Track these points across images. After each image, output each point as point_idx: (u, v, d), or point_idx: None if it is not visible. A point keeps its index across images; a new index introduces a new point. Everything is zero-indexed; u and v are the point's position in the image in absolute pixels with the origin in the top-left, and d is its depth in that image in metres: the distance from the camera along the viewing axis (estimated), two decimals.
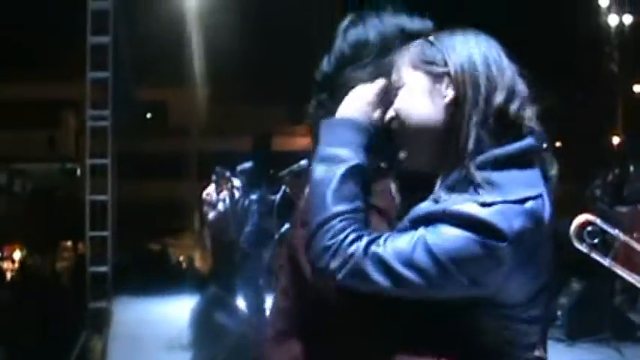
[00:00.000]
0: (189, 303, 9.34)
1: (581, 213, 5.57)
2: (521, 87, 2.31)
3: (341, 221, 2.19)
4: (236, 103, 27.27)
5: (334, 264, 2.15)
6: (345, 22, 2.44)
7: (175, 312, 10.29)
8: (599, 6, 25.86)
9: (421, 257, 2.13)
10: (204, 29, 22.19)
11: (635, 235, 8.26)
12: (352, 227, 2.18)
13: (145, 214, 21.07)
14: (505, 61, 2.28)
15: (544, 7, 23.32)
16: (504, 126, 2.23)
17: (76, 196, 13.28)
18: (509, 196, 2.14)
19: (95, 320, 11.50)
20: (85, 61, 11.39)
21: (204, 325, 7.72)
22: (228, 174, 8.36)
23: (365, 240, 2.16)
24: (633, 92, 26.38)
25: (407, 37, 2.32)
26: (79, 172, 17.88)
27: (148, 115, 29.92)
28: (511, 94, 2.27)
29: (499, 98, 2.23)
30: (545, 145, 2.43)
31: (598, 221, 5.11)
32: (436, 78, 2.22)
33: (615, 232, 5.09)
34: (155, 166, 25.90)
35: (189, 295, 11.80)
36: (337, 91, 2.37)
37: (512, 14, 22.42)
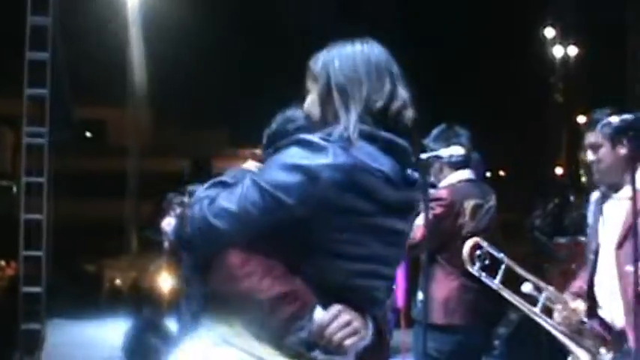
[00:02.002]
0: (124, 326, 9.24)
1: (522, 241, 5.60)
2: (402, 92, 2.80)
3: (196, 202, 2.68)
4: (177, 124, 27.18)
5: (187, 228, 2.62)
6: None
7: (109, 335, 10.16)
8: (544, 37, 26.18)
9: (251, 192, 2.57)
10: (147, 49, 22.05)
11: (573, 266, 8.30)
12: (202, 198, 2.66)
13: (81, 234, 20.80)
14: (387, 67, 2.80)
15: (491, 36, 23.54)
16: (384, 123, 2.71)
17: (12, 214, 13.04)
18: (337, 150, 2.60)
19: (27, 342, 11.27)
20: (23, 77, 11.21)
21: (136, 348, 7.62)
22: (177, 199, 8.12)
23: (207, 200, 2.63)
24: (577, 123, 26.78)
25: None
26: (14, 189, 17.58)
27: (88, 134, 29.66)
28: (389, 96, 2.75)
29: (377, 97, 2.74)
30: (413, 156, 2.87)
31: (485, 244, 5.18)
32: (313, 78, 2.85)
33: (500, 255, 5.14)
34: (93, 185, 25.67)
35: (124, 318, 11.66)
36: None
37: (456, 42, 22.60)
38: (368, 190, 2.62)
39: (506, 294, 5.26)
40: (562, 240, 10.73)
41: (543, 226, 11.20)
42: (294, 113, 3.04)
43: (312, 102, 2.84)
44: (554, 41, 26.49)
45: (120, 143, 27.12)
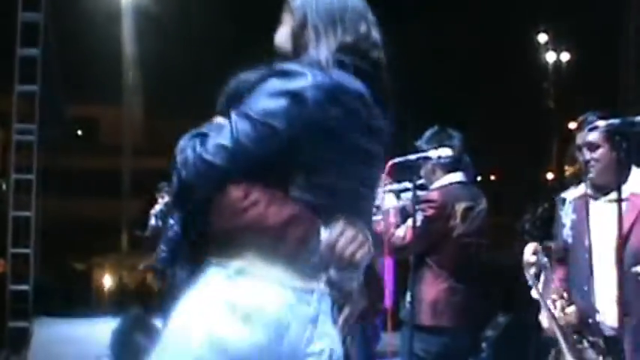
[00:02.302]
0: (112, 324, 9.21)
1: (513, 244, 5.60)
2: (375, 35, 2.89)
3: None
4: (170, 124, 27.10)
5: (184, 173, 2.67)
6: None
7: (97, 333, 10.11)
8: (537, 42, 26.20)
9: (241, 125, 2.63)
10: (141, 47, 22.03)
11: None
12: (192, 143, 2.72)
13: (71, 232, 20.77)
14: (362, 13, 2.89)
15: (483, 39, 23.54)
16: (353, 58, 2.79)
17: (0, 211, 13.02)
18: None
19: (15, 340, 11.24)
20: (13, 74, 11.18)
21: (124, 346, 7.59)
22: (166, 188, 8.08)
23: (198, 141, 2.70)
24: (568, 129, 26.78)
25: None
26: (4, 186, 17.57)
27: (79, 132, 29.60)
28: (362, 37, 2.85)
29: (349, 37, 2.83)
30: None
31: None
32: (289, 11, 2.93)
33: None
34: (84, 184, 25.61)
35: (112, 316, 11.63)
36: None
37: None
38: (349, 110, 2.70)
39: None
40: (551, 244, 10.73)
41: (533, 230, 11.19)
42: (247, 75, 2.85)
43: (284, 35, 2.93)
44: (547, 47, 26.52)
45: (112, 142, 27.10)
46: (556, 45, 26.58)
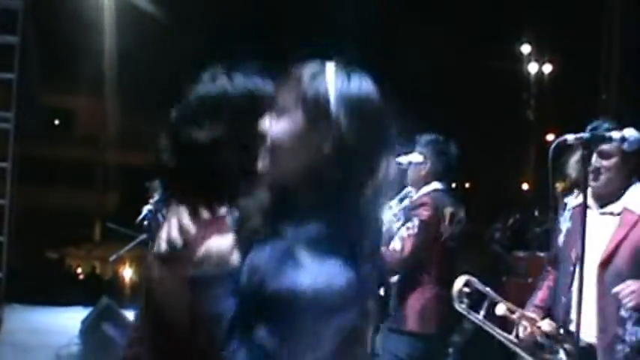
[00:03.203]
0: (83, 313, 9.24)
1: (481, 253, 5.66)
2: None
3: None
4: (147, 117, 27.04)
5: None
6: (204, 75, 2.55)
7: (68, 322, 10.13)
8: (521, 53, 26.24)
9: None
10: (121, 39, 21.96)
11: (529, 280, 8.36)
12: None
13: (45, 221, 20.73)
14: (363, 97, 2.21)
15: (465, 48, 23.61)
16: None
17: None
18: None
19: None
20: None
21: (93, 335, 7.63)
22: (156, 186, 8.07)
23: None
24: (546, 141, 26.95)
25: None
26: None
27: (56, 122, 29.50)
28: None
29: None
30: None
31: (476, 281, 5.19)
32: (310, 106, 2.15)
33: (487, 289, 5.18)
34: (59, 173, 25.55)
35: (83, 305, 11.64)
36: None
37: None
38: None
39: (489, 329, 5.30)
40: (521, 254, 10.84)
41: (503, 240, 11.30)
42: (206, 89, 2.49)
43: (290, 134, 2.15)
44: (529, 58, 26.57)
45: (88, 133, 27.04)
46: (539, 56, 26.62)
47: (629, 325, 4.32)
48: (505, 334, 4.92)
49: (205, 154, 2.36)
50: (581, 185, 4.37)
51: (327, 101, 2.14)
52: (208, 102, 2.46)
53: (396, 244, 5.54)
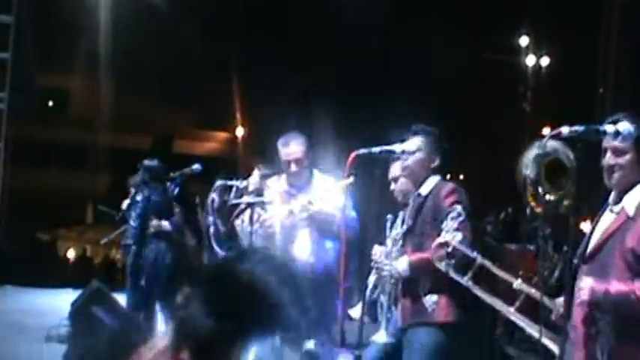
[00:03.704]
0: (73, 295, 9.22)
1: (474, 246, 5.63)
2: None
3: None
4: (141, 100, 26.99)
5: None
6: None
7: (58, 303, 10.13)
8: (518, 45, 26.18)
9: None
10: (117, 19, 21.85)
11: (520, 273, 8.37)
12: None
13: (37, 203, 20.69)
14: None
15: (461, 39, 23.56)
16: None
17: None
18: None
19: None
20: None
21: (82, 318, 7.61)
22: (134, 180, 7.88)
23: None
24: (542, 134, 26.82)
25: None
26: None
27: (50, 103, 29.40)
28: None
29: None
30: None
31: (456, 242, 5.23)
32: None
33: (473, 254, 5.21)
34: (53, 155, 25.48)
35: (74, 288, 11.64)
36: None
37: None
38: None
39: (478, 291, 5.33)
40: (512, 246, 10.85)
41: (495, 233, 11.32)
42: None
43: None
44: (527, 50, 26.51)
45: (82, 114, 26.97)
46: (536, 49, 26.57)
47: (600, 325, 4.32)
48: (499, 302, 4.96)
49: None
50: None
51: None
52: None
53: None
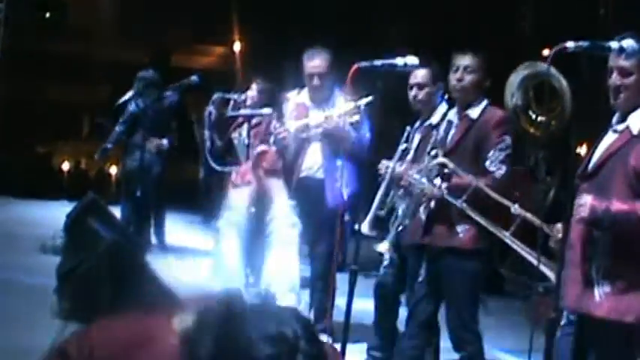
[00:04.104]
0: (68, 207, 9.23)
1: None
2: None
3: None
4: (141, 13, 26.71)
5: None
6: None
7: (53, 215, 10.14)
8: None
9: None
10: None
11: (517, 193, 8.40)
12: None
13: (34, 115, 20.61)
14: None
15: None
16: None
17: None
18: None
19: None
20: None
21: (77, 228, 7.61)
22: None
23: None
24: (542, 56, 26.61)
25: None
26: None
27: (47, 14, 29.08)
28: None
29: None
30: None
31: (451, 165, 5.24)
32: None
33: (469, 177, 5.21)
34: (50, 67, 25.29)
35: (69, 200, 11.66)
36: None
37: None
38: None
39: (472, 214, 5.34)
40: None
41: None
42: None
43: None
44: None
45: (80, 26, 26.70)
46: None
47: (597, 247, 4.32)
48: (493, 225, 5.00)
49: None
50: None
51: None
52: None
53: (498, 171, 5.50)
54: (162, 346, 2.18)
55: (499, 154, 5.47)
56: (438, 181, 5.54)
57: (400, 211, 6.02)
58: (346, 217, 6.49)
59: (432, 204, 5.65)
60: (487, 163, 5.47)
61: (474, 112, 5.65)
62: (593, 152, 4.49)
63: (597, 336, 4.40)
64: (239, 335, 2.02)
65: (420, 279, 5.77)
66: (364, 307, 6.97)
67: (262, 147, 6.64)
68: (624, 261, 4.25)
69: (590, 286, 4.31)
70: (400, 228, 6.01)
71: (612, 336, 4.28)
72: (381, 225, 6.37)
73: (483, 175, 5.47)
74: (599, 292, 4.27)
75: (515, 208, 5.14)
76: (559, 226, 4.63)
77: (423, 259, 5.85)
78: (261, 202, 5.33)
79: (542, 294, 4.66)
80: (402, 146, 6.33)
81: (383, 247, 5.97)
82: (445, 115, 6.10)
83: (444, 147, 5.67)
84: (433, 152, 5.67)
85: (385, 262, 6.76)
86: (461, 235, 5.53)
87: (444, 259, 5.64)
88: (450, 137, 5.70)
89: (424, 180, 5.61)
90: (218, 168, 7.84)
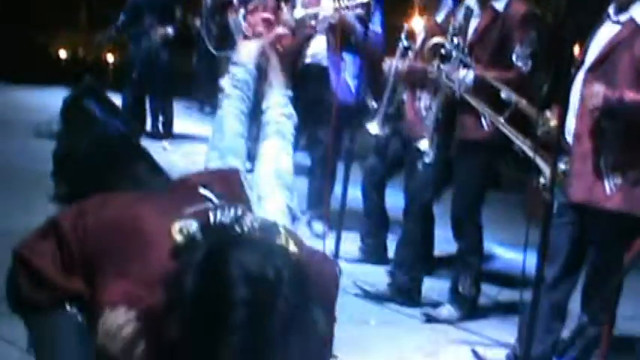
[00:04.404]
0: (64, 93, 9.18)
1: None
2: None
3: None
4: None
5: None
6: None
7: (49, 101, 10.09)
8: None
9: None
10: None
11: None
12: None
13: (31, 2, 20.38)
14: None
15: None
16: None
17: None
18: None
19: None
20: None
21: (73, 110, 7.57)
22: None
23: None
24: None
25: None
26: None
27: None
28: None
29: None
30: None
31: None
32: None
33: (467, 59, 5.16)
34: None
35: (66, 86, 11.62)
36: None
37: None
38: None
39: (473, 101, 5.30)
40: None
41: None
42: None
43: None
44: None
45: None
46: None
47: (606, 138, 4.31)
48: (488, 110, 4.99)
49: None
50: None
51: None
52: None
53: (524, 66, 5.45)
54: (155, 252, 2.16)
55: (526, 49, 5.40)
56: (468, 73, 5.46)
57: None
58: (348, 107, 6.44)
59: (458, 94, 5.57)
60: (514, 57, 5.41)
61: (499, 4, 5.53)
62: (590, 43, 4.46)
63: (604, 228, 4.42)
64: (221, 270, 1.93)
65: (428, 160, 5.74)
66: (360, 195, 6.99)
67: (282, 29, 6.49)
68: (636, 152, 4.24)
69: (600, 179, 4.32)
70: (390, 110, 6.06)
71: (621, 228, 4.29)
72: (389, 123, 6.41)
73: (509, 68, 5.41)
74: (610, 184, 4.27)
75: (505, 93, 5.10)
76: (548, 113, 4.61)
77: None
78: (264, 74, 5.26)
79: (537, 188, 4.64)
80: (405, 43, 6.28)
81: (373, 128, 5.99)
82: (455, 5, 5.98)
83: (465, 36, 5.58)
84: (455, 40, 5.57)
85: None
86: (479, 126, 5.49)
87: (461, 149, 5.63)
88: (472, 27, 5.60)
89: (442, 66, 5.53)
90: (215, 53, 7.77)
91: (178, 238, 2.15)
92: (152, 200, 2.47)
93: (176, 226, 2.17)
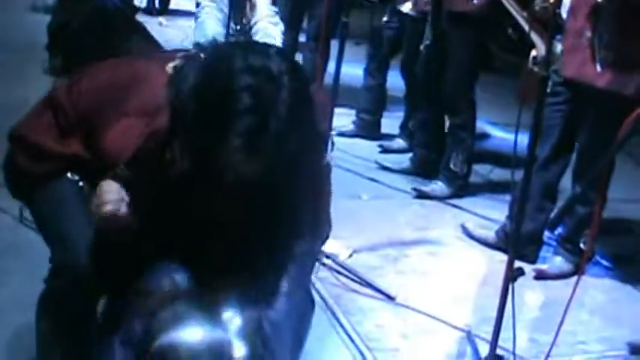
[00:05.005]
0: None
1: None
2: None
3: None
4: None
5: None
6: None
7: None
8: None
9: None
10: None
11: None
12: None
13: None
14: None
15: None
16: None
17: None
18: None
19: None
20: None
21: None
22: None
23: None
24: None
25: None
26: None
27: None
28: None
29: None
30: None
31: None
32: None
33: None
34: None
35: None
36: None
37: None
38: None
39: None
40: None
41: None
42: None
43: None
44: None
45: None
46: None
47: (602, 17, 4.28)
48: None
49: None
50: None
51: None
52: None
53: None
54: (152, 85, 2.18)
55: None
56: None
57: None
58: None
59: None
60: None
61: None
62: None
63: (594, 107, 4.42)
64: (222, 65, 2.00)
65: (427, 42, 5.73)
66: (353, 72, 7.01)
67: None
68: (631, 32, 4.19)
69: (592, 56, 4.28)
70: None
71: (610, 107, 4.27)
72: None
73: None
74: (601, 62, 4.25)
75: None
76: None
77: (426, 25, 5.86)
78: None
79: (531, 71, 4.61)
80: None
81: (406, 7, 6.03)
82: None
83: None
84: None
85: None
86: (475, 1, 5.44)
87: (451, 24, 5.61)
88: None
89: None
90: None
91: (172, 66, 2.20)
92: (145, 55, 2.52)
93: (170, 65, 2.22)
